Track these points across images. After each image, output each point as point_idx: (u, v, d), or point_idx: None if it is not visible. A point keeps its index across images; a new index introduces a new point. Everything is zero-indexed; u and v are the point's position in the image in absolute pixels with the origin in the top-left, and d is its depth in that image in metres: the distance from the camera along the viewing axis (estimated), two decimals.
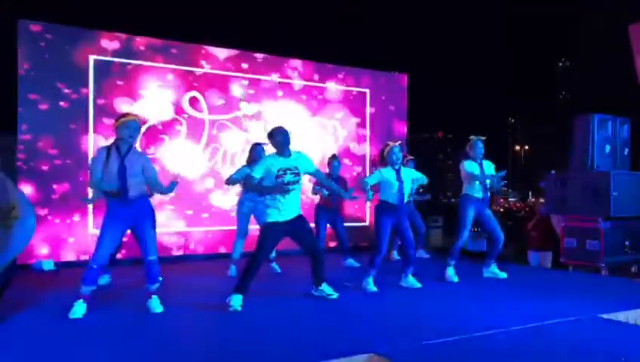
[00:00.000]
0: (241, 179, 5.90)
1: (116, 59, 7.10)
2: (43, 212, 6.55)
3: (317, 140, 8.59)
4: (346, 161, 8.72)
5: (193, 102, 7.62)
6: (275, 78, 8.25)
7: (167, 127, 7.42)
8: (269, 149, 4.86)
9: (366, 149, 9.09)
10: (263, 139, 7.52)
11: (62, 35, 6.78)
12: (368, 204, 8.68)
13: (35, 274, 6.13)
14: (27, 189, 6.44)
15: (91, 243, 6.73)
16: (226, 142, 7.86)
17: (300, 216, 4.60)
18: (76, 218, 6.78)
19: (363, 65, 9.38)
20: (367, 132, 9.12)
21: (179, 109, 7.51)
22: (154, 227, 5.50)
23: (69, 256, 6.72)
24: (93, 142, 6.84)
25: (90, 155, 6.59)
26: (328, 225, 6.71)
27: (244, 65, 8.04)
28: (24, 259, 6.39)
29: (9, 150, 6.39)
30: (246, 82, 8.02)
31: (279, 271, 6.23)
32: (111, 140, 4.32)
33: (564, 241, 6.91)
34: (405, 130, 9.56)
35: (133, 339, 3.49)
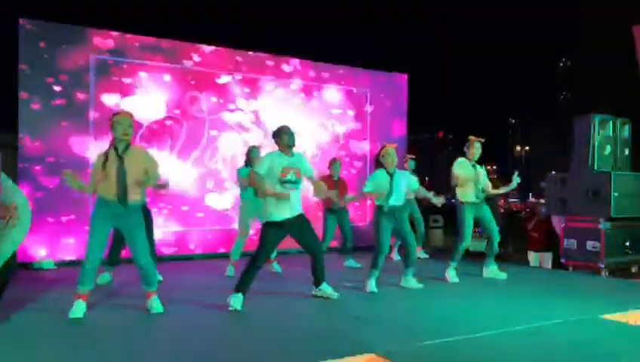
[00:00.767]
0: (241, 180, 5.92)
1: (116, 59, 7.10)
2: (43, 211, 6.55)
3: (317, 140, 8.60)
4: (346, 159, 8.72)
5: (193, 101, 7.62)
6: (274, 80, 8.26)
7: (166, 126, 7.42)
8: (264, 152, 4.87)
9: (366, 149, 9.08)
10: (260, 140, 7.65)
11: (62, 34, 6.78)
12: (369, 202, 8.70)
13: (35, 274, 6.13)
14: (27, 188, 6.44)
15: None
16: (224, 143, 7.85)
17: (300, 215, 4.59)
18: (76, 217, 6.77)
19: (363, 65, 9.39)
20: (368, 132, 9.12)
21: (178, 108, 7.51)
22: (151, 228, 5.54)
23: (69, 255, 6.72)
24: (94, 141, 6.84)
25: (90, 154, 6.60)
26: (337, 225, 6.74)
27: (244, 65, 8.04)
28: (24, 258, 6.40)
29: (10, 148, 6.39)
30: (239, 76, 8.02)
31: (280, 270, 6.24)
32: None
33: (564, 242, 6.90)
34: (405, 130, 9.56)
35: (133, 339, 3.49)
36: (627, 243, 6.68)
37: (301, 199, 4.66)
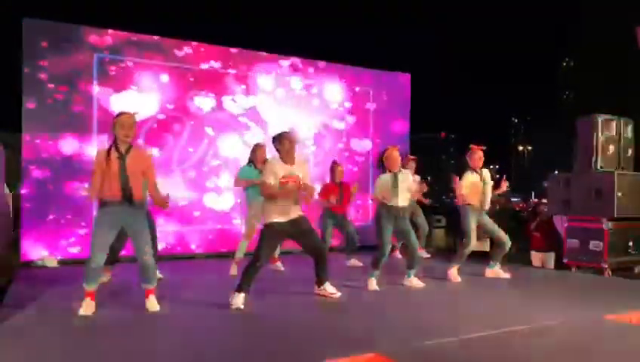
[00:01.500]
0: (245, 179, 5.92)
1: (118, 57, 7.11)
2: (46, 209, 6.57)
3: (319, 138, 8.60)
4: (346, 154, 8.73)
5: (198, 101, 7.63)
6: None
7: (169, 125, 7.44)
8: (268, 149, 4.85)
9: (368, 148, 9.08)
10: (260, 139, 7.64)
11: (65, 33, 6.79)
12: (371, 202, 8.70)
13: (38, 272, 6.14)
14: (30, 186, 6.47)
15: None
16: (224, 142, 7.86)
17: (301, 217, 4.59)
18: (78, 215, 6.79)
19: (366, 64, 9.38)
20: (370, 131, 9.12)
21: (182, 108, 7.52)
22: (153, 227, 5.56)
23: (71, 253, 6.74)
24: (97, 140, 6.85)
25: (92, 153, 6.61)
26: (334, 228, 6.74)
27: (246, 63, 8.05)
28: (27, 256, 6.42)
29: (14, 148, 6.42)
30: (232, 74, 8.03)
31: (282, 268, 6.24)
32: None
33: (567, 242, 6.89)
34: (407, 129, 9.55)
35: (134, 337, 3.50)
36: (630, 243, 6.66)
37: (300, 205, 4.64)
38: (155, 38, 7.45)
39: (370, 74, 9.22)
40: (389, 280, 5.41)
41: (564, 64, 44.06)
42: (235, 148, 7.85)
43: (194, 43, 7.74)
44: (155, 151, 7.11)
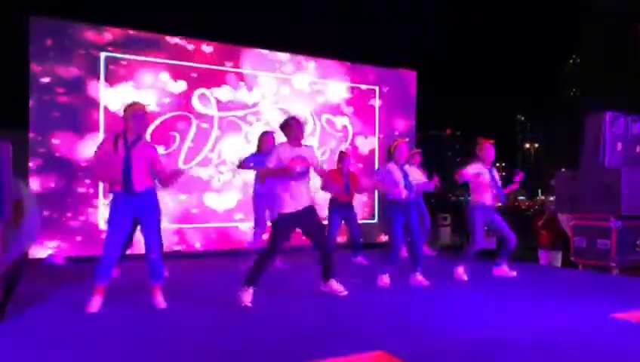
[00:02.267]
0: (251, 165, 5.92)
1: (125, 56, 7.12)
2: (53, 207, 6.60)
3: (324, 135, 8.59)
4: (349, 147, 8.72)
5: (202, 98, 7.64)
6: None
7: (177, 123, 7.45)
8: (279, 138, 4.85)
9: (374, 145, 9.07)
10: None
11: (71, 30, 6.82)
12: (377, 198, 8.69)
13: (45, 269, 6.17)
14: (38, 185, 6.49)
15: (101, 238, 6.80)
16: (230, 140, 7.87)
17: (310, 207, 4.57)
18: (86, 213, 6.82)
19: (371, 62, 9.36)
20: (376, 128, 9.11)
21: (189, 106, 7.53)
22: (159, 222, 5.56)
23: (79, 250, 6.77)
24: (103, 137, 6.86)
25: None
26: (342, 222, 6.72)
27: (251, 61, 8.05)
28: (35, 253, 6.45)
29: (20, 146, 6.43)
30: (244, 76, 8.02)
31: (281, 266, 6.21)
32: None
33: (574, 240, 6.85)
34: (413, 127, 9.53)
35: (139, 334, 3.51)
36: (638, 242, 6.61)
37: (311, 191, 4.66)
38: (163, 36, 7.47)
39: (376, 71, 9.20)
40: (395, 278, 5.39)
41: (571, 61, 43.82)
42: (237, 147, 7.85)
43: (198, 40, 7.74)
44: (160, 150, 7.12)
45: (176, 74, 7.47)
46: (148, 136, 7.10)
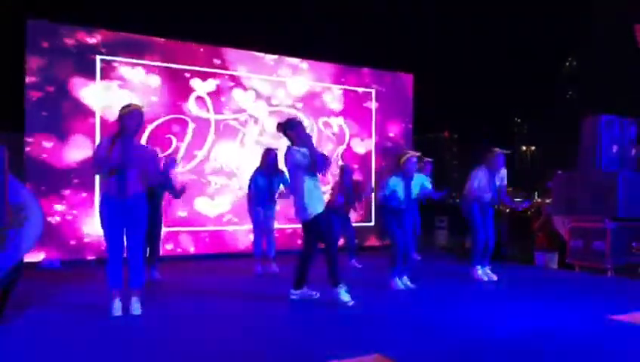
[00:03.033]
0: (253, 186, 6.05)
1: (122, 59, 7.13)
2: (51, 211, 6.59)
3: (322, 139, 8.59)
4: (351, 159, 8.73)
5: (199, 102, 7.65)
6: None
7: (173, 126, 7.45)
8: (281, 154, 4.84)
9: (370, 148, 9.08)
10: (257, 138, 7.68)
11: (69, 34, 6.82)
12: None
13: (42, 273, 6.16)
14: (35, 188, 6.48)
15: (98, 242, 6.80)
16: (226, 143, 7.88)
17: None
18: (83, 216, 6.81)
19: (368, 64, 9.38)
20: (372, 131, 9.12)
21: (185, 110, 7.54)
22: (159, 228, 5.58)
23: (75, 254, 6.76)
24: (99, 140, 6.86)
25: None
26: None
27: (247, 65, 8.06)
28: (31, 257, 6.43)
29: (18, 149, 6.43)
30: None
31: (277, 271, 6.21)
32: None
33: (570, 242, 6.87)
34: (410, 129, 9.55)
35: (136, 337, 3.51)
36: (634, 244, 6.64)
37: None
38: (160, 39, 7.47)
39: (373, 74, 9.22)
40: (388, 281, 5.39)
41: (567, 64, 43.97)
42: (232, 151, 7.86)
43: (194, 43, 7.75)
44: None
45: (172, 76, 7.47)
46: (144, 139, 7.10)
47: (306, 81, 8.52)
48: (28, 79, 6.58)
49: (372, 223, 8.90)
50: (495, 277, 5.80)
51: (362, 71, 9.13)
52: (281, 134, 4.63)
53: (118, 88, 7.09)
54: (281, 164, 5.07)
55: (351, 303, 4.34)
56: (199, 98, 7.65)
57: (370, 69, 9.25)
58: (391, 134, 9.21)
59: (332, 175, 8.06)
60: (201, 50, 7.74)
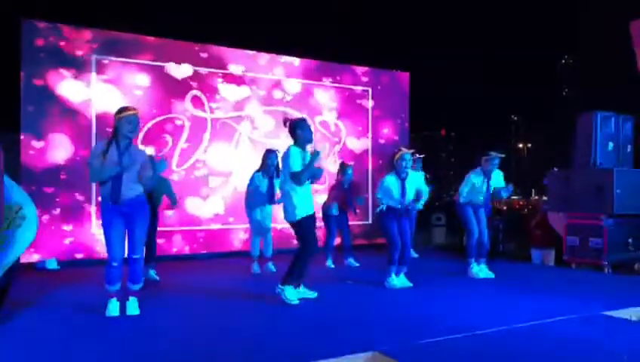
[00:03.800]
0: (253, 187, 6.02)
1: (117, 59, 7.11)
2: (47, 211, 6.57)
3: (318, 138, 8.58)
4: (347, 158, 8.73)
5: (195, 101, 7.64)
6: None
7: (170, 126, 7.44)
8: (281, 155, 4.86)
9: (367, 147, 9.08)
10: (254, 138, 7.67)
11: (65, 34, 6.79)
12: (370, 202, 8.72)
13: (38, 274, 6.15)
14: (30, 189, 6.45)
15: (94, 242, 6.78)
16: (222, 143, 7.87)
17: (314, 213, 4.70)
18: (79, 217, 6.79)
19: (365, 63, 9.38)
20: (369, 130, 9.13)
21: (182, 109, 7.52)
22: (155, 229, 5.57)
23: (72, 255, 6.74)
24: (95, 141, 6.84)
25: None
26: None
27: (243, 63, 8.05)
28: (28, 258, 6.41)
29: (13, 150, 6.40)
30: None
31: (275, 270, 6.20)
32: None
33: (566, 239, 6.89)
34: (407, 127, 9.55)
35: (134, 338, 3.50)
36: (630, 240, 6.67)
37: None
38: (156, 38, 7.45)
39: (369, 72, 9.21)
40: (385, 279, 5.40)
41: (563, 61, 44.06)
42: (227, 151, 7.84)
43: (190, 43, 7.72)
44: (150, 151, 7.10)
45: (169, 76, 7.45)
46: (140, 139, 7.08)
47: (302, 80, 8.51)
48: (22, 79, 6.55)
49: (369, 221, 8.91)
50: (492, 275, 5.82)
51: (358, 69, 9.13)
52: (277, 133, 4.67)
53: (113, 88, 7.06)
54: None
55: (295, 303, 4.38)
56: (195, 97, 7.63)
57: (366, 67, 9.25)
58: (386, 130, 9.21)
59: (329, 173, 8.08)
60: (196, 48, 7.72)
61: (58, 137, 6.71)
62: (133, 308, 4.09)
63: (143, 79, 7.28)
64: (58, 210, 6.69)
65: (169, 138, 7.41)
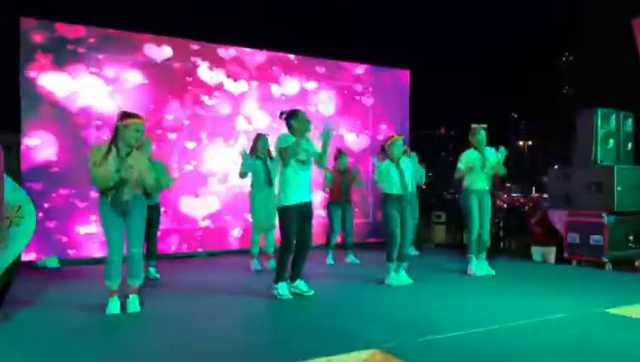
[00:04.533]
0: (250, 169, 5.94)
1: (117, 57, 7.10)
2: (47, 210, 6.57)
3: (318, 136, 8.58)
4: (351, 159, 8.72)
5: (196, 101, 7.63)
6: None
7: (168, 126, 7.44)
8: (272, 140, 4.89)
9: (367, 145, 9.08)
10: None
11: (66, 33, 6.78)
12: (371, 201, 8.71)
13: (39, 272, 6.15)
14: (30, 187, 6.45)
15: (95, 241, 6.78)
16: (219, 141, 7.87)
17: (311, 202, 4.70)
18: (80, 215, 6.80)
19: (365, 60, 9.37)
20: (370, 127, 9.12)
21: (183, 109, 7.52)
22: (157, 227, 5.56)
23: (73, 253, 6.74)
24: (95, 141, 6.84)
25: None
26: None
27: (242, 61, 8.04)
28: (28, 257, 6.42)
29: (13, 149, 6.41)
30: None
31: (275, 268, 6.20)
32: None
33: (567, 236, 6.89)
34: (407, 126, 9.55)
35: (135, 337, 3.50)
36: (630, 237, 6.66)
37: (311, 185, 4.74)
38: (155, 36, 7.45)
39: (370, 70, 9.21)
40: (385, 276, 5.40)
41: (564, 58, 43.98)
42: (223, 149, 7.84)
43: (189, 40, 7.71)
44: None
45: (166, 73, 7.45)
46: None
47: (302, 78, 8.50)
48: (22, 78, 6.55)
49: (370, 219, 8.91)
50: (492, 271, 5.81)
51: (358, 67, 9.12)
52: (275, 131, 4.70)
53: (112, 87, 7.06)
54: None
55: (287, 297, 4.45)
56: (194, 97, 7.62)
57: (366, 65, 9.24)
58: (384, 127, 9.20)
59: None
60: (195, 47, 7.71)
61: (58, 137, 6.71)
62: (133, 305, 4.09)
63: (142, 77, 7.27)
64: (58, 209, 6.68)
65: (168, 135, 7.41)
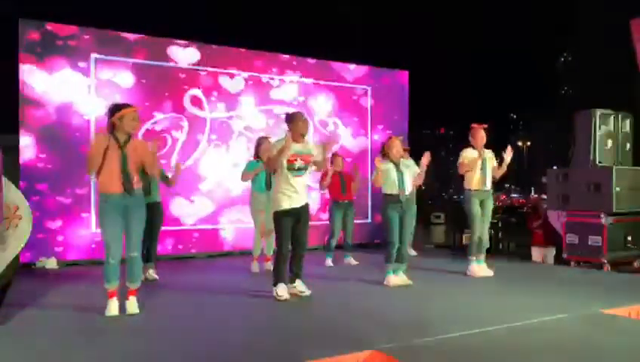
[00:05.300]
0: (253, 172, 5.95)
1: (117, 58, 7.10)
2: (45, 211, 6.56)
3: (317, 136, 8.58)
4: (347, 156, 8.72)
5: (195, 100, 7.63)
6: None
7: (168, 126, 7.43)
8: (272, 141, 4.90)
9: (367, 146, 9.08)
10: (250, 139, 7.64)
11: (63, 34, 6.78)
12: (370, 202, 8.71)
13: (38, 273, 6.14)
14: (30, 189, 6.45)
15: (93, 242, 6.77)
16: (221, 142, 7.87)
17: (306, 205, 4.70)
18: (78, 217, 6.79)
19: (364, 61, 9.38)
20: (369, 128, 9.12)
21: (181, 108, 7.52)
22: (159, 227, 5.57)
23: (71, 255, 6.74)
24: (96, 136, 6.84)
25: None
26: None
27: (241, 62, 8.04)
28: (27, 258, 6.41)
29: (12, 150, 6.40)
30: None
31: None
32: None
33: (566, 237, 6.89)
34: (406, 126, 9.55)
35: (135, 339, 3.50)
36: (629, 238, 6.67)
37: (307, 188, 4.76)
38: (154, 38, 7.44)
39: (369, 71, 9.21)
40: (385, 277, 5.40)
41: (562, 59, 44.05)
42: (222, 151, 7.83)
43: (188, 41, 7.71)
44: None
45: (166, 76, 7.45)
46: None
47: (301, 79, 8.50)
48: (21, 80, 6.54)
49: (369, 220, 8.91)
50: (491, 273, 5.81)
51: (358, 68, 9.12)
52: (275, 133, 4.72)
53: (112, 87, 7.05)
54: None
55: (284, 298, 4.48)
56: (193, 97, 7.62)
57: (365, 66, 9.24)
58: (388, 132, 9.20)
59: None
60: (194, 47, 7.71)
61: (57, 138, 6.70)
62: (132, 307, 4.08)
63: (139, 77, 7.26)
64: (57, 210, 6.68)
65: (167, 137, 7.40)
